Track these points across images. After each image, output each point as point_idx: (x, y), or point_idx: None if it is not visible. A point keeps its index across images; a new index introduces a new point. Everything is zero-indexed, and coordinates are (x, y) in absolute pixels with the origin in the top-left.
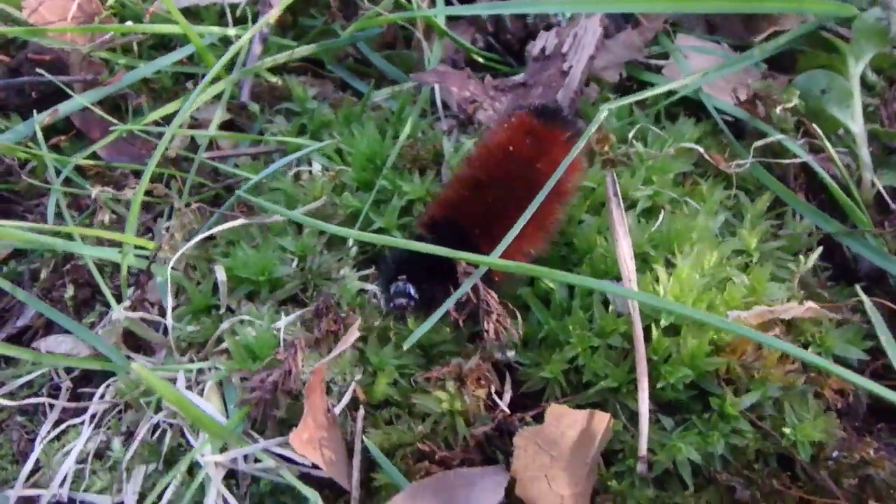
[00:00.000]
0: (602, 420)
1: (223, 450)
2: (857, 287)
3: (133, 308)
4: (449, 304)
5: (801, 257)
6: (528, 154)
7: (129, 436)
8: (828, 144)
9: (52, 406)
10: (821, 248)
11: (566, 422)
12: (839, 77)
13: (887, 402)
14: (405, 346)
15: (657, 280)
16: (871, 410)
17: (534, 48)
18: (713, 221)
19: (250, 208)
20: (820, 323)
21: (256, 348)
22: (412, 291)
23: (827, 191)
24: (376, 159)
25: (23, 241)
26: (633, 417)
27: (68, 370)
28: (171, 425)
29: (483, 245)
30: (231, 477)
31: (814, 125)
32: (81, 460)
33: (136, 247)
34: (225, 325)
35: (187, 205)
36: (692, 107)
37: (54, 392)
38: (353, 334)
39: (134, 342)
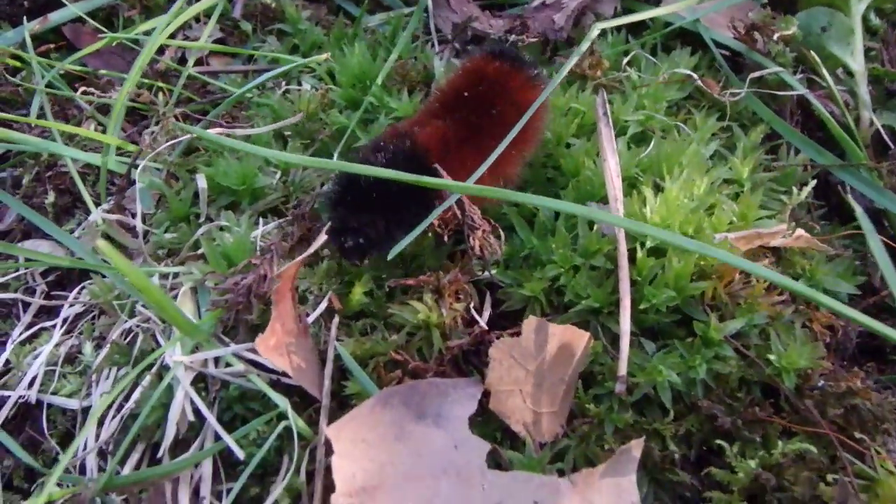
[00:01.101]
0: (581, 338)
1: (193, 353)
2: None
3: (111, 212)
4: (433, 216)
5: (795, 189)
6: (488, 91)
7: (100, 341)
8: (828, 77)
9: (25, 308)
10: (814, 182)
11: (544, 335)
12: (840, 14)
13: (877, 341)
14: (389, 258)
15: (644, 202)
16: (860, 349)
17: (533, 2)
18: (705, 149)
19: (235, 119)
20: (811, 256)
21: (232, 253)
22: (364, 243)
23: (823, 129)
24: (366, 79)
25: (9, 139)
26: (615, 340)
27: (44, 274)
28: (143, 330)
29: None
30: (200, 381)
31: (812, 53)
32: (52, 363)
33: (119, 153)
34: (202, 230)
35: (175, 117)
36: (689, 41)
37: (29, 295)
38: (322, 237)
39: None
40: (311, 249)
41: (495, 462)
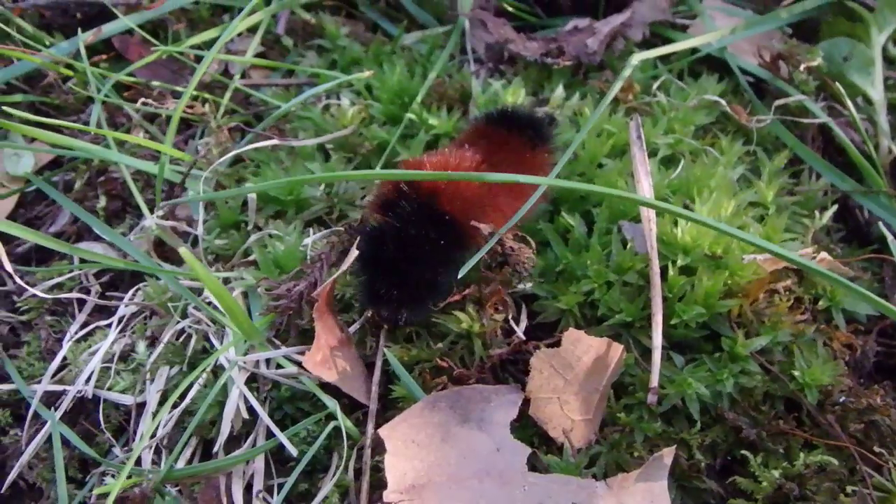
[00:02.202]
0: (616, 350)
1: (247, 354)
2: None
3: (165, 218)
4: (478, 257)
5: (817, 213)
6: (500, 134)
7: (153, 340)
8: (850, 105)
9: (81, 307)
10: (835, 207)
11: (582, 347)
12: (861, 45)
13: (893, 361)
14: (460, 274)
15: (675, 222)
16: (876, 367)
17: (566, 26)
18: (732, 172)
19: (282, 132)
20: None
21: (283, 261)
22: (399, 307)
23: (844, 155)
24: (405, 96)
25: (67, 146)
26: (645, 353)
27: (97, 275)
28: (196, 331)
29: (456, 211)
30: (252, 381)
31: (837, 84)
32: (107, 360)
33: (170, 161)
34: (254, 238)
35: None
36: (715, 67)
37: (84, 295)
38: (353, 254)
39: (162, 253)
40: (343, 268)
41: (533, 466)
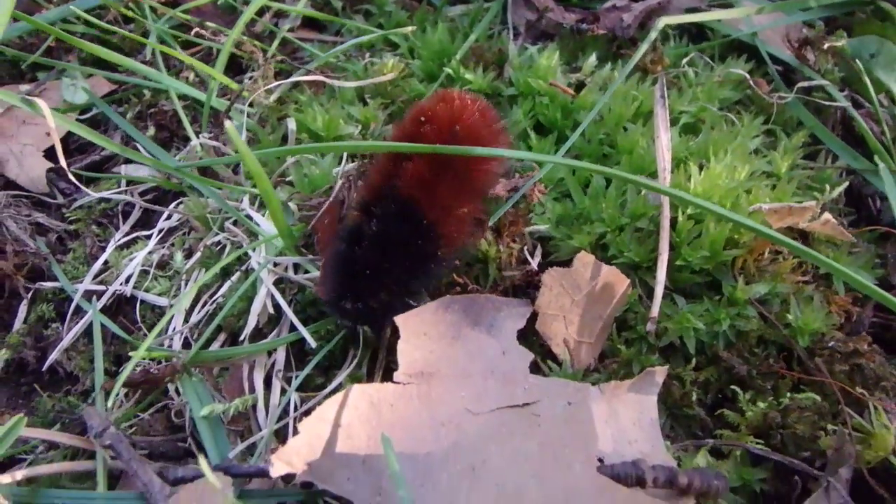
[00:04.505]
0: (622, 282)
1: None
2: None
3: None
4: (509, 204)
5: (828, 186)
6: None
7: (190, 253)
8: (872, 93)
9: (125, 220)
10: (847, 183)
11: (591, 271)
12: (889, 43)
13: (890, 333)
14: (490, 222)
15: (689, 177)
16: (872, 339)
17: (605, 4)
18: (750, 142)
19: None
20: (835, 246)
21: (318, 182)
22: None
23: (863, 146)
24: (444, 56)
25: (131, 67)
26: (650, 294)
27: (142, 193)
28: (231, 242)
29: (432, 210)
30: (279, 284)
31: (858, 62)
32: (146, 266)
33: (218, 95)
34: (291, 160)
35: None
36: (745, 54)
37: (128, 210)
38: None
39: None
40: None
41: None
